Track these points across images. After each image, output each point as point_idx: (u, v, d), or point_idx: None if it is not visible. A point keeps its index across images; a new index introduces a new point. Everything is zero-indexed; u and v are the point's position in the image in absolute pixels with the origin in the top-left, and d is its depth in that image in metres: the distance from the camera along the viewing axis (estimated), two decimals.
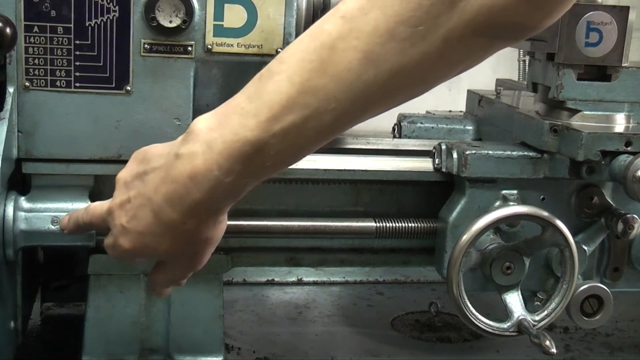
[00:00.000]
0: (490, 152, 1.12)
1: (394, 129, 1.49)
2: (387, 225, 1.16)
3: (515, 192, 1.14)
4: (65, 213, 1.00)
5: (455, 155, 1.13)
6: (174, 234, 0.83)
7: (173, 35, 1.03)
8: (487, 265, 1.11)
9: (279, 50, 1.06)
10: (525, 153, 1.13)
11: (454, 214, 1.14)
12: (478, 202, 1.14)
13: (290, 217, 1.16)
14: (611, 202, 1.17)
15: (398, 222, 1.17)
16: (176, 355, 1.17)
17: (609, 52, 1.13)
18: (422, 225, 1.17)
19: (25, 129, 1.04)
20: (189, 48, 1.05)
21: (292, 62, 0.74)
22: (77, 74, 1.03)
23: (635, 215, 1.13)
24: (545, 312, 1.12)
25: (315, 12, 1.13)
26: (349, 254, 1.23)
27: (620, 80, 1.15)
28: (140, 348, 1.16)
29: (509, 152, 1.13)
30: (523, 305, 1.12)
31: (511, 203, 1.13)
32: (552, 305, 1.12)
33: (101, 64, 1.03)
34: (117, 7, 1.02)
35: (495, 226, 1.10)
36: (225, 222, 0.86)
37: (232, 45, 1.06)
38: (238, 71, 1.10)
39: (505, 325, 1.10)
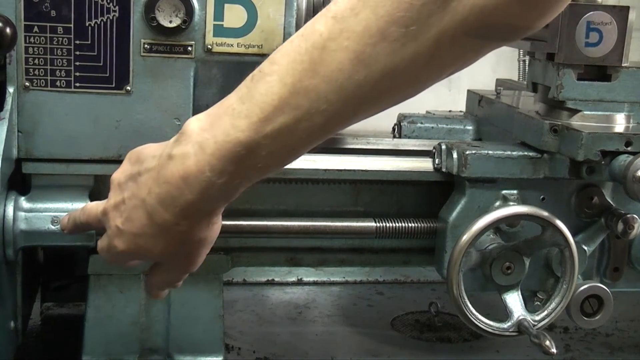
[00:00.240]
0: (490, 152, 1.12)
1: (394, 129, 1.49)
2: (387, 225, 1.16)
3: (515, 192, 1.14)
4: (65, 213, 1.00)
5: (455, 155, 1.13)
6: (168, 235, 0.82)
7: (173, 35, 1.03)
8: (487, 265, 1.11)
9: None
10: (525, 153, 1.13)
11: (454, 214, 1.14)
12: (478, 202, 1.14)
13: (290, 217, 1.16)
14: (611, 202, 1.17)
15: (398, 222, 1.17)
16: (176, 355, 1.17)
17: (609, 52, 1.13)
18: (422, 225, 1.17)
19: (25, 129, 1.04)
20: (189, 48, 1.05)
21: (283, 63, 0.73)
22: (77, 74, 1.03)
23: (635, 215, 1.13)
24: (545, 312, 1.12)
25: (315, 12, 1.13)
26: (349, 254, 1.23)
27: (620, 80, 1.15)
28: (140, 348, 1.16)
29: (509, 152, 1.13)
30: (523, 305, 1.12)
31: (511, 203, 1.13)
32: (552, 305, 1.12)
33: (101, 64, 1.03)
34: (117, 7, 1.02)
35: (495, 226, 1.10)
36: (220, 223, 0.86)
37: (232, 45, 1.06)
38: (238, 71, 1.09)
39: (505, 325, 1.10)
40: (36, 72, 1.02)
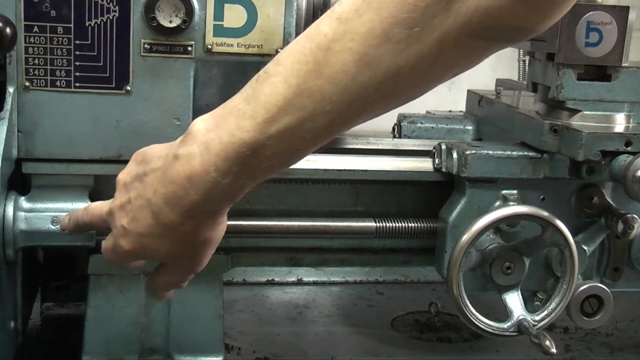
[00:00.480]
0: (490, 152, 1.12)
1: (394, 129, 1.49)
2: (387, 225, 1.16)
3: (515, 192, 1.14)
4: (65, 213, 1.01)
5: (455, 155, 1.13)
6: (174, 235, 0.83)
7: (173, 35, 1.03)
8: (487, 265, 1.11)
9: (279, 50, 1.06)
10: (525, 153, 1.13)
11: (454, 214, 1.14)
12: (478, 202, 1.14)
13: (290, 217, 1.16)
14: (611, 202, 1.17)
15: (398, 222, 1.17)
16: (176, 355, 1.17)
17: (609, 52, 1.13)
18: (422, 225, 1.17)
19: (25, 129, 1.04)
20: (189, 48, 1.05)
21: (288, 64, 0.74)
22: (77, 74, 1.03)
23: (635, 215, 1.13)
24: (545, 312, 1.12)
25: (315, 12, 1.13)
26: (349, 254, 1.23)
27: (620, 80, 1.15)
28: (140, 348, 1.16)
29: (509, 152, 1.13)
30: (523, 305, 1.12)
31: (511, 203, 1.13)
32: (552, 305, 1.12)
33: (101, 64, 1.03)
34: (117, 7, 1.02)
35: (495, 226, 1.10)
36: (225, 224, 0.86)
37: (232, 45, 1.06)
38: (238, 71, 1.10)
39: (505, 325, 1.10)
40: (36, 72, 1.02)
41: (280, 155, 0.77)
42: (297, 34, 1.07)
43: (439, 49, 0.70)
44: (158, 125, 1.06)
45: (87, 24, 1.02)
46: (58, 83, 1.03)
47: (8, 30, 0.96)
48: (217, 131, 0.77)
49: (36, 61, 1.02)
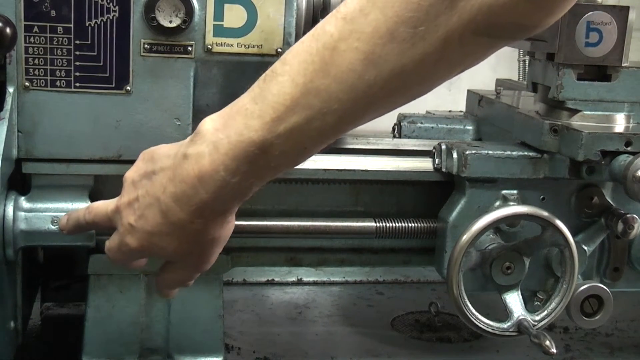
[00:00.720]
0: (490, 152, 1.12)
1: (394, 129, 1.49)
2: (387, 225, 1.16)
3: (515, 192, 1.14)
4: (65, 213, 1.01)
5: (455, 155, 1.13)
6: (182, 233, 0.83)
7: (173, 35, 1.03)
8: (487, 265, 1.11)
9: (279, 50, 1.06)
10: (525, 153, 1.13)
11: (454, 214, 1.14)
12: (478, 202, 1.14)
13: (290, 217, 1.16)
14: (611, 202, 1.17)
15: (398, 222, 1.17)
16: (176, 355, 1.17)
17: (609, 52, 1.13)
18: (422, 225, 1.17)
19: (25, 129, 1.04)
20: (189, 48, 1.05)
21: (294, 64, 0.75)
22: (77, 74, 1.03)
23: (635, 215, 1.13)
24: (545, 312, 1.12)
25: (315, 12, 1.13)
26: (349, 254, 1.23)
27: (620, 80, 1.15)
28: (140, 348, 1.16)
29: (509, 152, 1.13)
30: (523, 305, 1.12)
31: (511, 203, 1.13)
32: (552, 305, 1.12)
33: (101, 64, 1.03)
34: (117, 7, 1.02)
35: (495, 226, 1.10)
36: (233, 222, 0.88)
37: (232, 45, 1.06)
38: (238, 71, 1.10)
39: (505, 325, 1.10)
40: (36, 72, 1.02)
41: (289, 154, 0.78)
42: (297, 34, 1.07)
43: (443, 47, 0.71)
44: (158, 125, 1.06)
45: (87, 24, 1.02)
46: (58, 83, 1.03)
47: (8, 30, 0.96)
48: (226, 131, 0.77)
49: (36, 61, 1.02)
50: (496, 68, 2.03)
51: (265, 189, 1.16)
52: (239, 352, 1.33)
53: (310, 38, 0.75)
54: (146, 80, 1.05)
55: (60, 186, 1.07)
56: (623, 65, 1.14)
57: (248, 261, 1.21)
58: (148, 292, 1.14)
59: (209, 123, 0.80)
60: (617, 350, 1.45)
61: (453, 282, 1.07)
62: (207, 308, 1.17)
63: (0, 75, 1.02)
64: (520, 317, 1.10)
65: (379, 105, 0.76)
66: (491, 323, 1.10)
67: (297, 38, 1.07)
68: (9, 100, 1.01)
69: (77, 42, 1.02)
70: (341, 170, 1.16)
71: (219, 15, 1.04)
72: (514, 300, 1.12)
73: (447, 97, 1.91)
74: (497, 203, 1.14)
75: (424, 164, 1.19)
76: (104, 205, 0.91)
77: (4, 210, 1.03)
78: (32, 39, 1.01)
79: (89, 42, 1.02)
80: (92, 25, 1.02)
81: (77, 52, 1.02)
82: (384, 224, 1.16)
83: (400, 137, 1.47)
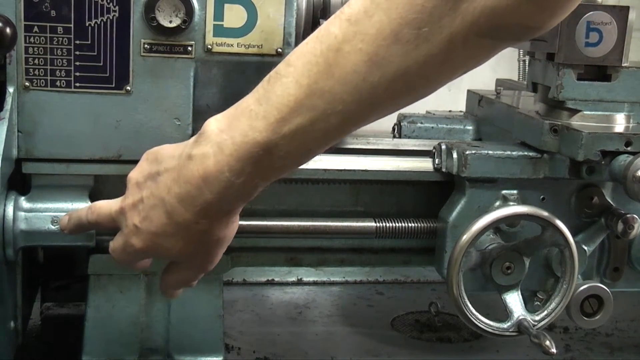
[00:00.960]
0: (490, 152, 1.12)
1: (394, 129, 1.49)
2: (387, 225, 1.16)
3: (515, 192, 1.14)
4: (65, 213, 1.00)
5: (455, 155, 1.13)
6: (187, 234, 0.83)
7: (173, 35, 1.03)
8: (487, 265, 1.11)
9: (279, 50, 1.06)
10: (525, 153, 1.13)
11: (454, 214, 1.14)
12: (478, 202, 1.14)
13: (290, 217, 1.16)
14: (611, 202, 1.17)
15: (398, 222, 1.17)
16: (176, 355, 1.17)
17: (609, 52, 1.13)
18: (422, 225, 1.17)
19: (25, 129, 1.04)
20: (189, 48, 1.05)
21: (299, 65, 0.75)
22: (77, 74, 1.03)
23: (635, 215, 1.13)
24: (545, 312, 1.12)
25: (315, 12, 1.13)
26: (349, 254, 1.23)
27: (620, 80, 1.15)
28: (140, 348, 1.16)
29: (509, 152, 1.13)
30: (523, 305, 1.12)
31: (511, 203, 1.13)
32: (552, 305, 1.12)
33: (101, 64, 1.03)
34: (117, 7, 1.02)
35: (495, 226, 1.10)
36: (237, 222, 0.88)
37: (232, 45, 1.06)
38: (238, 71, 1.10)
39: (505, 325, 1.10)
40: (36, 72, 1.02)
41: (293, 155, 0.78)
42: (297, 34, 1.07)
43: (447, 48, 0.71)
44: (158, 125, 1.06)
45: (87, 24, 1.02)
46: (58, 83, 1.03)
47: (8, 30, 0.96)
48: (230, 132, 0.78)
49: (36, 61, 1.02)
50: (496, 68, 2.03)
51: (265, 189, 1.17)
52: (239, 352, 1.33)
53: (314, 39, 0.75)
54: (146, 80, 1.05)
55: (60, 186, 1.07)
56: (623, 65, 1.14)
57: (248, 261, 1.21)
58: (148, 292, 1.14)
59: (213, 124, 0.80)
60: (617, 350, 1.45)
61: (453, 282, 1.07)
62: (207, 308, 1.17)
63: (0, 75, 1.02)
64: (520, 317, 1.10)
65: (383, 106, 0.76)
66: (491, 323, 1.10)
67: (297, 38, 1.07)
68: (9, 100, 1.01)
69: (77, 42, 1.02)
70: (341, 170, 1.16)
71: (219, 15, 1.04)
72: (514, 300, 1.12)
73: (447, 97, 1.91)
74: (497, 203, 1.14)
75: (424, 164, 1.19)
76: (107, 206, 0.91)
77: (4, 210, 1.04)
78: (32, 39, 1.01)
79: (89, 42, 1.02)
80: (92, 25, 1.02)
81: (77, 52, 1.03)
82: (384, 224, 1.16)
83: (400, 137, 1.47)
